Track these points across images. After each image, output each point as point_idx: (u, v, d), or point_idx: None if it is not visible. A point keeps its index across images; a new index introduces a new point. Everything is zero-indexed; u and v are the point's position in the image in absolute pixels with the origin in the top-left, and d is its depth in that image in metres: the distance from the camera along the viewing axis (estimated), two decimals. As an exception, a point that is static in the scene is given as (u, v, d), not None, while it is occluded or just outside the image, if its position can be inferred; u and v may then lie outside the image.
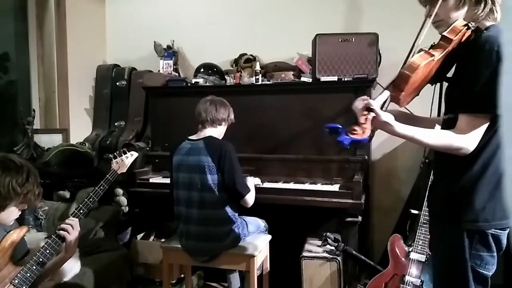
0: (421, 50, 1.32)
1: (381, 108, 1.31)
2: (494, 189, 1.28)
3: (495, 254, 1.32)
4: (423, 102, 2.48)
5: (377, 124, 1.28)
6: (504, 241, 1.33)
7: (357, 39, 2.72)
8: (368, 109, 1.25)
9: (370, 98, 1.29)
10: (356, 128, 1.22)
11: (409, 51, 1.34)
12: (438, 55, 1.29)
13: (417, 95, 1.40)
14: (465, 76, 1.28)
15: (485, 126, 1.24)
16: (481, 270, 1.32)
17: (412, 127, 1.31)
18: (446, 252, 1.40)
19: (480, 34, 1.27)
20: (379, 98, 1.30)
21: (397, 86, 1.29)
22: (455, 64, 1.35)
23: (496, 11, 1.30)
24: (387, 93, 1.32)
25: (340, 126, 1.23)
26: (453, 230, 1.34)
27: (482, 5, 1.29)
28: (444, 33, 1.30)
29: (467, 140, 1.24)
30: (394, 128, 1.28)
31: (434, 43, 1.35)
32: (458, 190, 1.32)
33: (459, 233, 1.32)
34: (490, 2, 1.29)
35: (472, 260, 1.31)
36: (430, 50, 1.31)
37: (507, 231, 1.31)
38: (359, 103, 1.28)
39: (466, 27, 1.28)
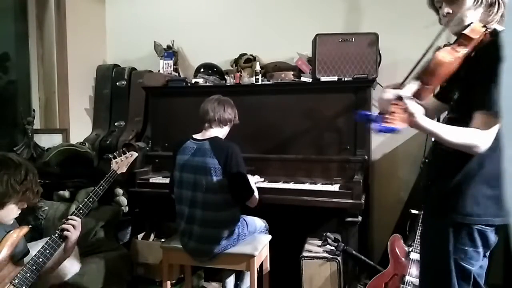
0: (444, 46, 1.30)
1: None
2: (489, 187, 1.30)
3: (480, 250, 1.33)
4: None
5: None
6: (492, 238, 1.35)
7: (357, 39, 2.72)
8: (399, 98, 1.23)
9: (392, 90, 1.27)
10: (388, 117, 1.20)
11: (426, 50, 1.32)
12: (462, 51, 1.27)
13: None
14: (483, 76, 1.26)
15: (498, 126, 1.24)
16: (464, 264, 1.33)
17: (436, 123, 1.30)
18: (431, 242, 1.43)
19: (499, 35, 1.26)
20: (406, 88, 1.28)
21: (425, 80, 1.27)
22: (468, 66, 1.32)
23: None
24: (414, 85, 1.29)
25: (373, 114, 1.22)
26: (440, 222, 1.37)
27: (496, 8, 1.30)
28: (465, 32, 1.28)
29: (485, 139, 1.25)
30: (419, 120, 1.25)
31: (449, 42, 1.34)
32: (453, 184, 1.34)
33: (446, 225, 1.34)
34: (503, 6, 1.30)
35: (456, 253, 1.33)
36: (454, 47, 1.28)
37: (494, 228, 1.33)
38: (388, 94, 1.27)
39: (485, 29, 1.28)
